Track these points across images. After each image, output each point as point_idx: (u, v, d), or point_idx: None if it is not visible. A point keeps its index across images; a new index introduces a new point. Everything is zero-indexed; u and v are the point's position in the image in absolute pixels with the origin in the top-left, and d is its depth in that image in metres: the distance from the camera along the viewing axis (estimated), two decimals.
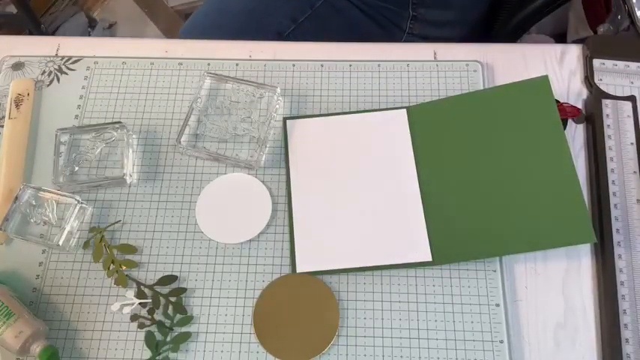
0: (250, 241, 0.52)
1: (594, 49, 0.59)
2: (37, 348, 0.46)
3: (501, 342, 0.47)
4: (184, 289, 0.50)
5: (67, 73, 0.61)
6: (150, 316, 0.49)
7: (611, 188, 0.52)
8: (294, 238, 0.51)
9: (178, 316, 0.49)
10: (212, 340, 0.48)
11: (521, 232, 0.49)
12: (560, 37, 1.12)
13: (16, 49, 0.63)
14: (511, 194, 0.51)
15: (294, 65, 0.60)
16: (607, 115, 0.55)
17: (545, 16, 0.75)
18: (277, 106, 0.57)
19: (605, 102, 0.56)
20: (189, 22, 0.82)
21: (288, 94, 0.59)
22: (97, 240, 0.52)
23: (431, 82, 0.58)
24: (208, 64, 0.61)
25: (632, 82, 0.57)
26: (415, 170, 0.53)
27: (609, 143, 0.54)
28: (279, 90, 0.57)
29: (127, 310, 0.50)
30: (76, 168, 0.56)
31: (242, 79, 0.58)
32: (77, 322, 0.50)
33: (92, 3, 1.57)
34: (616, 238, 0.50)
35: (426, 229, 0.51)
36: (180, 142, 0.55)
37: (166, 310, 0.49)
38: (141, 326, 0.49)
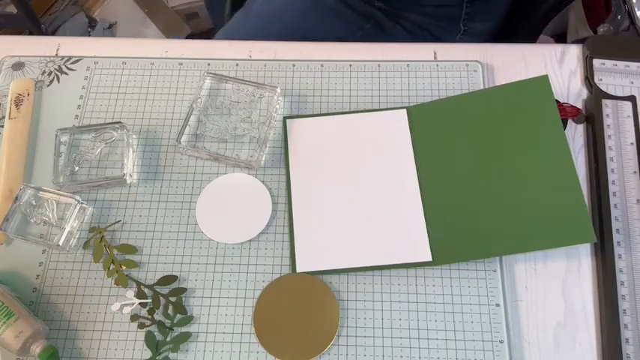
0: (250, 241, 0.52)
1: (594, 49, 0.59)
2: (37, 348, 0.46)
3: (501, 342, 0.47)
4: (184, 289, 0.50)
5: (67, 73, 0.61)
6: (150, 316, 0.49)
7: (611, 188, 0.52)
8: (294, 238, 0.51)
9: (178, 316, 0.49)
10: (212, 340, 0.48)
11: (521, 232, 0.49)
12: (560, 37, 1.12)
13: (16, 49, 0.63)
14: (511, 194, 0.51)
15: (294, 65, 0.60)
16: (607, 115, 0.55)
17: (559, 11, 0.75)
18: (277, 106, 0.57)
19: (605, 102, 0.56)
20: (233, 22, 0.79)
21: (288, 94, 0.59)
22: (97, 240, 0.52)
23: (431, 82, 0.58)
24: (208, 64, 0.61)
25: (632, 82, 0.57)
26: (415, 170, 0.53)
27: (609, 143, 0.54)
28: (279, 90, 0.57)
29: (127, 310, 0.50)
30: (76, 168, 0.56)
31: (242, 79, 0.58)
32: (77, 322, 0.50)
33: (92, 3, 1.57)
34: (616, 238, 0.50)
35: (426, 229, 0.51)
36: (180, 142, 0.55)
37: (166, 310, 0.49)
38: (141, 326, 0.49)
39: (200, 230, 0.53)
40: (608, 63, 0.58)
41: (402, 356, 0.47)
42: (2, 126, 0.58)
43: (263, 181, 0.54)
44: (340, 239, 0.51)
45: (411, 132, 0.55)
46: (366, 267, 0.50)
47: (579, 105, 0.57)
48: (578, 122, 0.57)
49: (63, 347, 0.49)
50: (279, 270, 0.51)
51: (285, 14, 0.75)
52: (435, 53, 0.60)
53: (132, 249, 0.52)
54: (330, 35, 0.73)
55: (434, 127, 0.55)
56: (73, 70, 0.61)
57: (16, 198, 0.53)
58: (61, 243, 0.51)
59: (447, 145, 0.54)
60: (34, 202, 0.53)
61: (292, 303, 0.49)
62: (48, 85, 0.60)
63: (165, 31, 1.51)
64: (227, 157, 0.55)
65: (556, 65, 0.60)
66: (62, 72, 0.61)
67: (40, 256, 0.52)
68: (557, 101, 0.54)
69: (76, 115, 0.59)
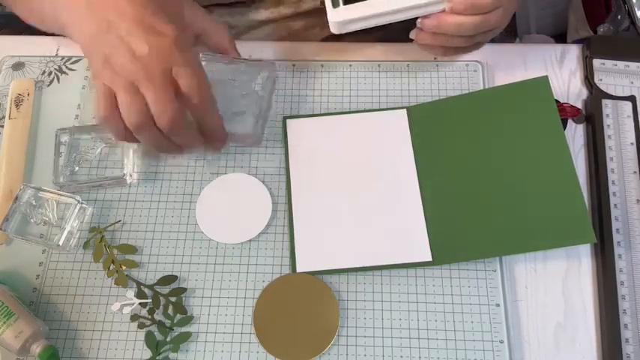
0: (250, 241, 0.52)
1: (594, 49, 0.59)
2: (37, 348, 0.46)
3: (501, 342, 0.47)
4: (184, 289, 0.50)
5: (67, 73, 0.61)
6: (150, 316, 0.49)
7: (611, 188, 0.52)
8: (294, 238, 0.51)
9: (178, 316, 0.49)
10: (212, 340, 0.48)
11: (521, 232, 0.49)
12: (560, 37, 1.12)
13: (16, 49, 0.63)
14: (511, 194, 0.51)
15: (294, 65, 0.60)
16: (607, 115, 0.55)
17: None
18: (275, 80, 0.57)
19: (605, 102, 0.56)
20: None
21: (288, 94, 0.59)
22: (97, 240, 0.52)
23: (431, 82, 0.58)
24: None
25: (632, 82, 0.57)
26: (415, 170, 0.53)
27: (609, 143, 0.54)
28: (275, 65, 0.57)
29: (127, 310, 0.50)
30: (76, 168, 0.56)
31: (237, 59, 0.57)
32: (77, 322, 0.50)
33: None
34: (616, 238, 0.50)
35: (426, 229, 0.51)
36: None
37: (166, 310, 0.49)
38: (141, 326, 0.49)
39: (200, 230, 0.53)
40: (608, 63, 0.58)
41: (402, 356, 0.47)
42: (2, 126, 0.58)
43: (263, 181, 0.54)
44: (340, 239, 0.51)
45: (411, 132, 0.55)
46: (366, 267, 0.50)
47: (579, 105, 0.57)
48: (578, 122, 0.57)
49: (63, 347, 0.49)
50: (279, 270, 0.51)
51: None
52: None
53: (132, 249, 0.52)
54: None
55: (434, 127, 0.55)
56: (73, 70, 0.61)
57: (16, 198, 0.53)
58: (61, 243, 0.51)
59: (447, 145, 0.54)
60: (34, 202, 0.53)
61: (292, 303, 0.49)
62: (48, 85, 0.60)
63: None
64: (230, 134, 0.53)
65: (556, 65, 0.60)
66: (62, 72, 0.61)
67: (40, 256, 0.52)
68: (557, 101, 0.54)
69: (76, 115, 0.59)
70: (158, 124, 0.43)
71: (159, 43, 0.42)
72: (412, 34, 0.52)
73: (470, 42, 0.51)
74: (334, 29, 0.51)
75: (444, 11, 0.49)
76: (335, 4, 0.49)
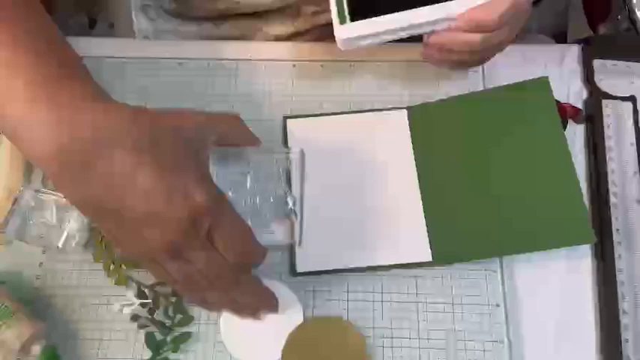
0: None
1: (594, 49, 0.59)
2: (37, 348, 0.46)
3: (501, 342, 0.47)
4: None
5: None
6: (150, 317, 0.49)
7: (611, 188, 0.52)
8: None
9: (179, 316, 0.49)
10: (212, 341, 0.48)
11: (521, 232, 0.49)
12: (560, 37, 1.12)
13: None
14: (511, 195, 0.51)
15: (294, 65, 0.60)
16: (607, 115, 0.55)
17: None
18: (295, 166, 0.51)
19: (605, 102, 0.56)
20: None
21: (288, 94, 0.59)
22: (97, 240, 0.52)
23: (431, 83, 0.58)
24: (208, 65, 0.60)
25: (632, 82, 0.57)
26: (415, 170, 0.53)
27: (609, 143, 0.54)
28: (295, 150, 0.51)
29: (127, 310, 0.50)
30: None
31: (258, 147, 0.47)
32: (77, 322, 0.50)
33: (92, 3, 1.57)
34: (616, 238, 0.50)
35: (426, 229, 0.51)
36: None
37: (167, 311, 0.49)
38: (141, 326, 0.49)
39: None
40: (608, 63, 0.58)
41: (402, 356, 0.47)
42: None
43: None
44: (340, 239, 0.51)
45: (411, 132, 0.55)
46: (366, 267, 0.50)
47: (579, 105, 0.57)
48: (578, 122, 0.57)
49: (63, 347, 0.48)
50: (279, 269, 0.51)
51: None
52: None
53: None
54: None
55: (434, 127, 0.55)
56: None
57: (15, 200, 0.52)
58: (60, 245, 0.51)
59: (447, 145, 0.54)
60: (33, 205, 0.53)
61: (320, 347, 0.47)
62: None
63: None
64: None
65: (556, 65, 0.60)
66: None
67: (40, 257, 0.52)
68: (557, 101, 0.54)
69: None
70: (215, 287, 0.41)
71: (189, 210, 0.36)
72: (420, 51, 0.52)
73: (476, 56, 0.51)
74: (341, 46, 0.50)
75: (450, 28, 0.48)
76: (342, 21, 0.48)
